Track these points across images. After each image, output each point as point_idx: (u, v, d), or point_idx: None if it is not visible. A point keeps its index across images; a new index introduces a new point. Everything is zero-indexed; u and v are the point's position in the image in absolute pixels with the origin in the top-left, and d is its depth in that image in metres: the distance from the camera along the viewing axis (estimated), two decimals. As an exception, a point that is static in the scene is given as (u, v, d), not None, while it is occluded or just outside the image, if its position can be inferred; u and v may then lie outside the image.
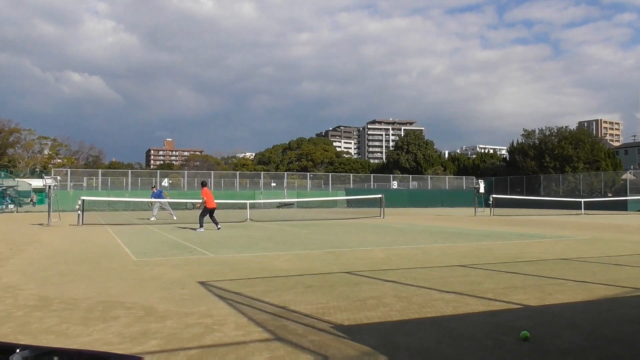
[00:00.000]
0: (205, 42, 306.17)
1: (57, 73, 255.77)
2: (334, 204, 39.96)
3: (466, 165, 66.68)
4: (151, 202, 23.86)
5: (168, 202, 23.44)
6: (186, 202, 30.52)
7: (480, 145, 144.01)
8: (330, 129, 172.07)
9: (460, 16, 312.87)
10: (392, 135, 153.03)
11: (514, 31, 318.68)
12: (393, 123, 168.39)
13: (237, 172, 51.11)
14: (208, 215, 15.43)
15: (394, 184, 48.78)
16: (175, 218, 21.39)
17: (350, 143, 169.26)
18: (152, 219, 21.55)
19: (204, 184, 16.44)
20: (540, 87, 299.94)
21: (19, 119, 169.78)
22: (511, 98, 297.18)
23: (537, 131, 54.27)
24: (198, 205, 17.38)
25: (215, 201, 15.92)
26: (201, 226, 14.94)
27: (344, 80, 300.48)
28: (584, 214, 28.42)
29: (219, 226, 15.37)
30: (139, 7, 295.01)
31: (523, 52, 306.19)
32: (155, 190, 24.22)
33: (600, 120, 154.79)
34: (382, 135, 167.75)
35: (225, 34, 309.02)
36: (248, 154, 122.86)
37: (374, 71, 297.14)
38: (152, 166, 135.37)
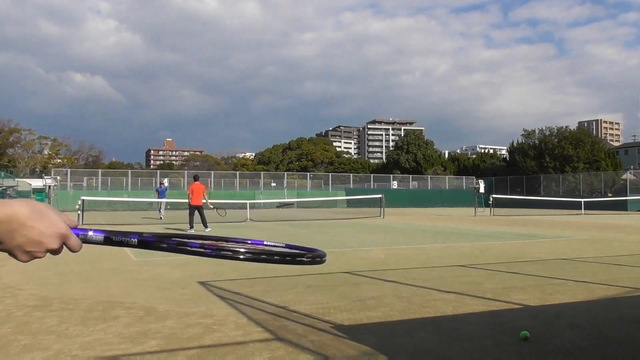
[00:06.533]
0: (208, 41, 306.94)
1: (60, 73, 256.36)
2: (334, 204, 39.94)
3: (466, 165, 66.68)
4: (158, 202, 23.73)
5: (165, 202, 23.27)
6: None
7: (480, 145, 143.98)
8: (330, 128, 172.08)
9: (464, 15, 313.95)
10: (392, 135, 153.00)
11: (519, 30, 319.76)
12: (393, 123, 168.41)
13: (237, 172, 51.13)
14: (198, 214, 14.28)
15: (394, 184, 48.75)
16: (161, 218, 21.63)
17: (350, 143, 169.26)
18: (162, 217, 21.78)
19: (196, 178, 15.13)
20: (544, 86, 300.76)
21: (19, 118, 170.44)
22: (514, 98, 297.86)
23: (537, 131, 54.31)
24: (210, 205, 16.03)
25: (215, 201, 15.39)
26: (191, 227, 14.12)
27: (347, 80, 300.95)
28: (584, 214, 28.41)
29: (207, 228, 14.25)
30: (142, 6, 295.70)
31: (527, 52, 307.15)
32: (163, 187, 23.94)
33: (600, 120, 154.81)
34: (382, 135, 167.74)
35: (229, 33, 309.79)
36: (248, 154, 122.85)
37: (377, 71, 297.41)
38: (152, 166, 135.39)
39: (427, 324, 4.26)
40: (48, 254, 0.83)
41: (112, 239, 0.85)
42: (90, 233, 0.86)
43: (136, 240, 0.85)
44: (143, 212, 28.26)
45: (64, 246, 0.83)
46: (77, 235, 0.84)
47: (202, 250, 0.86)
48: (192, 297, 5.32)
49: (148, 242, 0.86)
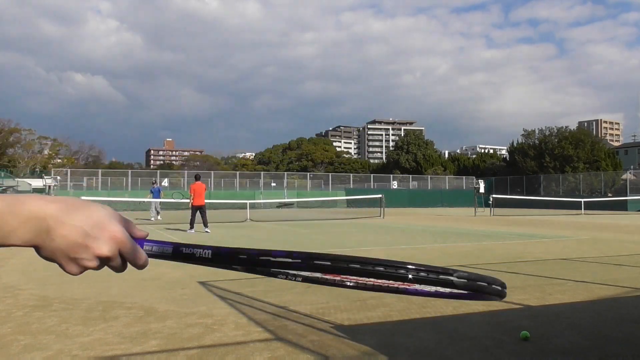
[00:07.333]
0: (208, 41, 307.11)
1: (60, 73, 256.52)
2: (334, 204, 39.93)
3: (466, 165, 66.68)
4: (149, 201, 23.49)
5: (160, 202, 22.95)
6: (173, 192, 26.61)
7: (480, 145, 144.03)
8: (330, 128, 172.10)
9: (465, 15, 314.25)
10: (392, 135, 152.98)
11: (519, 30, 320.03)
12: (393, 123, 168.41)
13: (237, 172, 51.15)
14: (199, 214, 14.09)
15: (394, 184, 48.74)
16: (159, 218, 21.47)
17: (350, 143, 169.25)
18: (159, 218, 21.65)
19: (197, 178, 14.87)
20: (544, 86, 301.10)
21: (19, 118, 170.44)
22: (514, 98, 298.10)
23: (537, 131, 54.33)
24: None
25: (216, 201, 15.25)
26: (192, 227, 14.05)
27: (347, 80, 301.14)
28: (584, 214, 28.41)
29: (207, 229, 14.03)
30: (143, 6, 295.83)
31: (528, 52, 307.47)
32: (156, 187, 23.71)
33: (600, 120, 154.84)
34: (382, 135, 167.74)
35: (229, 33, 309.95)
36: (248, 154, 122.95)
37: (377, 71, 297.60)
38: (152, 166, 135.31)
39: (427, 324, 4.26)
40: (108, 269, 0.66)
41: (182, 252, 0.72)
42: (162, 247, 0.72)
43: (210, 252, 0.73)
44: (144, 213, 28.25)
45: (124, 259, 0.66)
46: (142, 246, 0.68)
47: (291, 259, 0.71)
48: (192, 297, 5.32)
49: (224, 254, 0.74)
